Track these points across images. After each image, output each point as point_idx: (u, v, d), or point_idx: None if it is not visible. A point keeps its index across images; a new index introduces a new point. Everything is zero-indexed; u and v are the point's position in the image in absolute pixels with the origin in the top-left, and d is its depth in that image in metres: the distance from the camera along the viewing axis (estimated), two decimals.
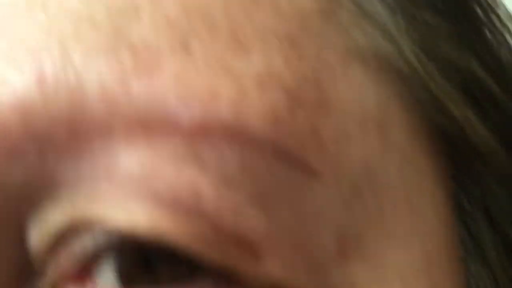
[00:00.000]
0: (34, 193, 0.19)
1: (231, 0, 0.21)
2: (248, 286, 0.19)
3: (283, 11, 0.21)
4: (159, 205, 0.19)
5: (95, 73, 0.19)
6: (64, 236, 0.20)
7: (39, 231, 0.20)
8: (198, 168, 0.19)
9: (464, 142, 0.23)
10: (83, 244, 0.19)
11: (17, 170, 0.19)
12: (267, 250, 0.19)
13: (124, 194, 0.19)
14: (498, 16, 0.25)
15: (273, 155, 0.20)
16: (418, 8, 0.23)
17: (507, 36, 0.25)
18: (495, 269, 0.23)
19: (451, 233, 0.23)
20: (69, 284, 0.20)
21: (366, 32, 0.22)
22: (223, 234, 0.19)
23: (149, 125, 0.19)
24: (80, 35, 0.20)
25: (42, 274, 0.20)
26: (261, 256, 0.19)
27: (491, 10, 0.25)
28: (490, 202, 0.23)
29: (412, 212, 0.22)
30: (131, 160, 0.19)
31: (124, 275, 0.19)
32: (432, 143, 0.23)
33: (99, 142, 0.19)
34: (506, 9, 0.25)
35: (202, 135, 0.19)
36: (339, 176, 0.20)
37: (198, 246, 0.19)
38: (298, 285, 0.20)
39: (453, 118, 0.22)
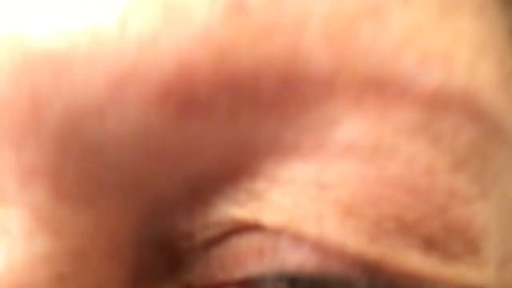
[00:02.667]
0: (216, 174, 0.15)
1: None
2: None
3: None
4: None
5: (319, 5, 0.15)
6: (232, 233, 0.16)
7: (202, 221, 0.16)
8: (432, 143, 0.16)
9: None
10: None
11: (201, 135, 0.15)
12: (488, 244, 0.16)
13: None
14: None
15: (497, 132, 0.16)
16: None
17: None
18: None
19: None
20: None
21: None
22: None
23: (383, 87, 0.15)
24: None
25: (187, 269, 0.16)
26: (482, 252, 0.16)
27: None
28: None
29: None
30: (355, 129, 0.15)
31: None
32: None
33: (315, 104, 0.15)
34: None
35: (440, 103, 0.16)
36: None
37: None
38: None
39: None
